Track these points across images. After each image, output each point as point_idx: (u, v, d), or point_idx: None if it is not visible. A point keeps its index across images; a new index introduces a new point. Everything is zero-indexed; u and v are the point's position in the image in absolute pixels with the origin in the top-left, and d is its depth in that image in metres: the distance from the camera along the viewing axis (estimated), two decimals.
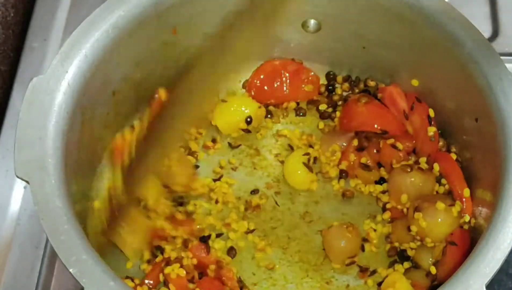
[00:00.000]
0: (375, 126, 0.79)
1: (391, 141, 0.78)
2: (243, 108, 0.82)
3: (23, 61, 0.93)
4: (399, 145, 0.77)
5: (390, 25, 0.76)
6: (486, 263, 0.59)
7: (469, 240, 0.71)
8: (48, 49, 0.93)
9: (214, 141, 0.82)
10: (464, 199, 0.73)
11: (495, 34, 0.92)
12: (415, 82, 0.79)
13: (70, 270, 0.58)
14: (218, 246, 0.74)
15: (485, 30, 0.91)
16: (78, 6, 0.96)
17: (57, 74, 0.67)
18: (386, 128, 0.79)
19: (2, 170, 0.84)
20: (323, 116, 0.84)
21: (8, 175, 0.84)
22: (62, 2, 0.97)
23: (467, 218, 0.72)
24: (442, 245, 0.71)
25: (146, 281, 0.71)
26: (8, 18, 0.94)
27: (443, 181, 0.75)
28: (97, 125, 0.73)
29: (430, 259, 0.72)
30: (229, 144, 0.82)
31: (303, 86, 0.84)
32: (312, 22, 0.81)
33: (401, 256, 0.74)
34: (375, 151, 0.78)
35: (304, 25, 0.81)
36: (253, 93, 0.84)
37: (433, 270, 0.71)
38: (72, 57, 0.68)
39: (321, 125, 0.83)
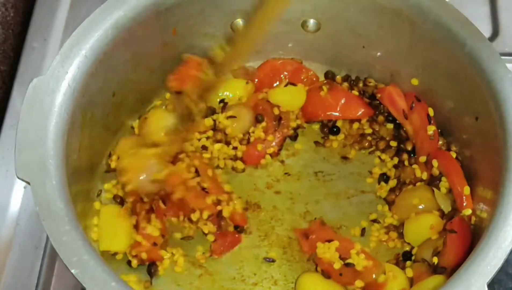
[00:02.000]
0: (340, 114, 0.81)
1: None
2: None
3: (23, 61, 0.92)
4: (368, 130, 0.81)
5: (389, 24, 0.75)
6: (488, 261, 0.59)
7: (469, 228, 0.70)
8: (48, 49, 0.92)
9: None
10: (464, 197, 0.72)
11: (495, 34, 0.92)
12: (414, 82, 0.78)
13: (72, 271, 0.57)
14: None
15: (485, 30, 0.91)
16: (78, 6, 0.95)
17: (57, 75, 0.66)
18: (354, 115, 0.81)
19: (2, 170, 0.84)
20: None
21: (8, 175, 0.83)
22: (62, 2, 0.96)
23: (468, 211, 0.72)
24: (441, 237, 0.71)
25: None
26: (8, 18, 0.94)
27: (443, 179, 0.75)
28: (97, 126, 0.73)
29: (432, 251, 0.72)
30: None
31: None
32: (311, 21, 0.80)
33: (404, 256, 0.74)
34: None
35: (304, 24, 0.81)
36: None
37: (435, 260, 0.70)
38: (72, 58, 0.67)
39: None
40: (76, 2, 0.96)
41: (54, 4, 0.96)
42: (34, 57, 0.92)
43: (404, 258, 0.73)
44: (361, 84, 0.83)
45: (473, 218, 0.71)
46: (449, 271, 0.67)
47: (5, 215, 0.81)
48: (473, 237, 0.70)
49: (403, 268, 0.72)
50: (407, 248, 0.74)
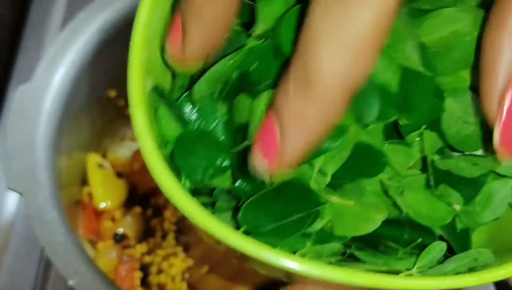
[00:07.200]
0: None
1: None
2: None
3: (19, 60, 0.87)
4: None
5: None
6: None
7: None
8: (44, 49, 0.87)
9: None
10: None
11: None
12: None
13: (70, 282, 0.54)
14: None
15: None
16: (74, 5, 0.90)
17: (43, 82, 0.62)
18: None
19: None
20: None
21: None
22: (58, 2, 0.91)
23: None
24: None
25: None
26: (3, 17, 0.89)
27: None
28: (85, 131, 0.69)
29: None
30: None
31: None
32: None
33: None
34: None
35: None
36: None
37: None
38: (58, 64, 0.63)
39: None
40: (72, 1, 0.91)
41: (50, 3, 0.91)
42: (30, 56, 0.87)
43: None
44: None
45: None
46: None
47: (1, 216, 0.76)
48: None
49: None
50: None
